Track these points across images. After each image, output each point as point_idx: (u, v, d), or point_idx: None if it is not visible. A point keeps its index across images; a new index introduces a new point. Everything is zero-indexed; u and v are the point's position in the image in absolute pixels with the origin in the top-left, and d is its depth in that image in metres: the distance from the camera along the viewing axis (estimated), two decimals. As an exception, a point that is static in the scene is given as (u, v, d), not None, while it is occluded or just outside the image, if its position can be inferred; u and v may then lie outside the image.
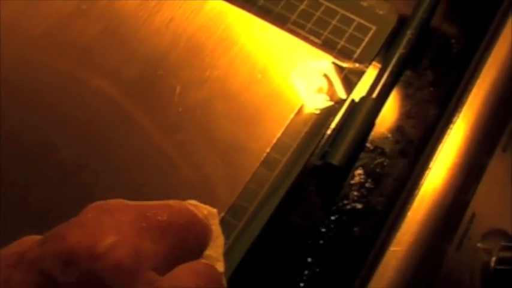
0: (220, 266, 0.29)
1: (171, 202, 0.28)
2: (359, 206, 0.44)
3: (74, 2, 0.51)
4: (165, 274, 0.26)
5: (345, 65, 0.49)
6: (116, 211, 0.26)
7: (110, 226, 0.25)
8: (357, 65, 0.49)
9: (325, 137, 0.46)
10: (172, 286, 0.25)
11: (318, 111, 0.47)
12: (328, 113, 0.47)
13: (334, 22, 0.51)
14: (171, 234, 0.27)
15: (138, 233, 0.25)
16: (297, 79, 0.48)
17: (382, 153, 0.46)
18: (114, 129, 0.45)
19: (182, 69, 0.48)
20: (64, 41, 0.49)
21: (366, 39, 0.50)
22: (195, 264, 0.27)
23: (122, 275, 0.24)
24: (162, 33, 0.50)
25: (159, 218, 0.27)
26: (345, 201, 0.44)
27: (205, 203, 0.41)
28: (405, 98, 0.49)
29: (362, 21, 0.51)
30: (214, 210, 0.31)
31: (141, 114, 0.46)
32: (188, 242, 0.27)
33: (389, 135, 0.47)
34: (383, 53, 0.50)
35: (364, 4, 0.52)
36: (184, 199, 0.41)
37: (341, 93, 0.48)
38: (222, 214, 0.42)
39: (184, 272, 0.26)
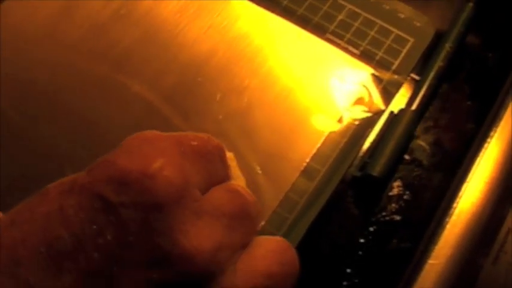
0: None
1: (194, 133, 0.30)
2: (397, 218, 0.44)
3: (112, 6, 0.51)
4: (204, 194, 0.28)
5: (383, 76, 0.49)
6: (154, 139, 0.28)
7: (154, 151, 0.27)
8: (395, 76, 0.49)
9: (364, 148, 0.46)
10: (212, 203, 0.28)
11: (356, 122, 0.47)
12: (366, 124, 0.47)
13: (372, 33, 0.51)
14: (204, 157, 0.29)
15: (180, 156, 0.28)
16: (336, 89, 0.48)
17: (420, 165, 0.46)
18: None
19: (222, 77, 0.48)
20: (102, 47, 0.49)
21: (404, 51, 0.50)
22: (228, 184, 0.30)
23: (173, 192, 0.26)
24: (200, 40, 0.50)
25: (192, 143, 0.29)
26: (384, 213, 0.44)
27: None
28: (442, 111, 0.49)
29: (400, 33, 0.51)
30: (231, 154, 0.32)
31: (181, 121, 0.46)
32: (217, 166, 0.30)
33: (426, 148, 0.47)
34: (420, 65, 0.50)
35: (402, 16, 0.52)
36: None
37: (380, 104, 0.48)
38: (262, 223, 0.42)
39: (220, 191, 0.29)
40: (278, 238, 0.30)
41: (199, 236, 0.26)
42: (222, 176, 0.30)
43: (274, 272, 0.28)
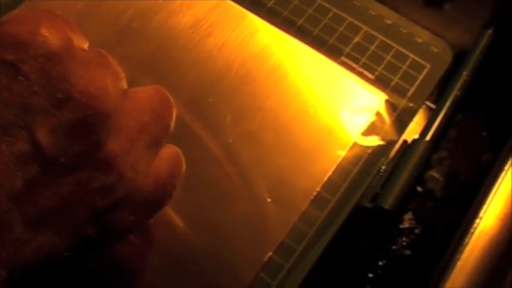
0: None
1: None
2: (408, 252, 0.43)
3: (124, 20, 0.50)
4: None
5: (398, 103, 0.48)
6: (28, 13, 0.32)
7: (34, 18, 0.31)
8: (410, 104, 0.48)
9: (376, 178, 0.45)
10: (90, 56, 0.32)
11: (369, 151, 0.46)
12: (379, 153, 0.46)
13: (388, 57, 0.50)
14: (68, 24, 0.33)
15: (59, 22, 0.32)
16: (349, 115, 0.47)
17: (433, 197, 0.45)
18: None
19: (234, 97, 0.47)
20: (114, 58, 0.48)
21: (420, 78, 0.49)
22: (91, 48, 0.34)
23: (62, 44, 0.30)
24: (214, 58, 0.49)
25: (57, 12, 0.33)
26: (394, 247, 0.43)
27: (253, 239, 0.41)
28: (457, 141, 0.48)
29: (417, 58, 0.50)
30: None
31: (190, 143, 0.45)
32: (77, 32, 0.33)
33: (440, 179, 0.46)
34: (436, 93, 0.49)
35: (419, 40, 0.51)
36: (232, 234, 0.41)
37: (393, 132, 0.47)
38: (270, 253, 0.41)
39: (90, 51, 0.33)
40: (151, 85, 0.35)
41: (92, 78, 0.30)
42: (82, 40, 0.33)
43: (156, 106, 0.34)
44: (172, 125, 0.35)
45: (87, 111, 0.29)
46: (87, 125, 0.30)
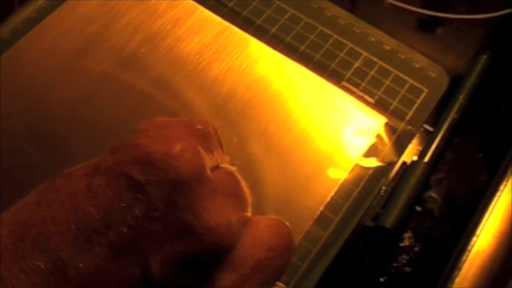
0: None
1: (195, 117, 0.32)
2: (408, 269, 0.45)
3: (133, 44, 0.52)
4: None
5: (397, 126, 0.50)
6: (168, 124, 0.30)
7: (171, 135, 0.29)
8: (409, 127, 0.50)
9: (377, 198, 0.47)
10: (220, 184, 0.30)
11: (370, 172, 0.48)
12: (379, 174, 0.48)
13: (387, 82, 0.52)
14: (208, 140, 0.31)
15: (193, 139, 0.29)
16: (350, 138, 0.49)
17: (431, 217, 0.47)
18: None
19: (239, 121, 0.49)
20: (119, 88, 0.50)
21: (418, 101, 0.51)
22: (226, 167, 0.32)
23: (193, 172, 0.28)
24: (219, 83, 0.51)
25: (197, 127, 0.31)
26: (394, 264, 0.45)
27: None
28: (455, 162, 0.50)
29: (415, 83, 0.52)
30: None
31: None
32: (216, 147, 0.31)
33: (438, 199, 0.48)
34: (433, 116, 0.51)
35: (417, 66, 0.53)
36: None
37: (392, 154, 0.49)
38: (276, 271, 0.43)
39: (222, 173, 0.31)
40: (272, 216, 0.32)
41: (218, 210, 0.28)
42: (220, 157, 0.32)
43: (275, 244, 0.31)
44: (288, 265, 0.32)
45: (206, 246, 0.28)
46: (202, 259, 0.28)
